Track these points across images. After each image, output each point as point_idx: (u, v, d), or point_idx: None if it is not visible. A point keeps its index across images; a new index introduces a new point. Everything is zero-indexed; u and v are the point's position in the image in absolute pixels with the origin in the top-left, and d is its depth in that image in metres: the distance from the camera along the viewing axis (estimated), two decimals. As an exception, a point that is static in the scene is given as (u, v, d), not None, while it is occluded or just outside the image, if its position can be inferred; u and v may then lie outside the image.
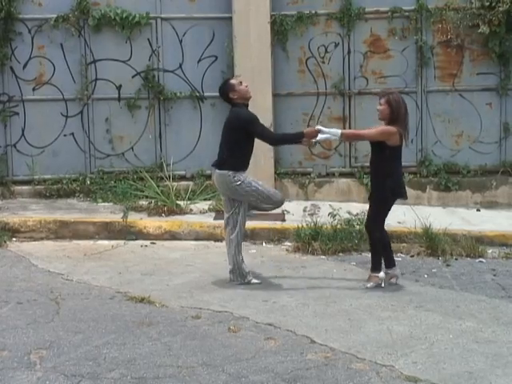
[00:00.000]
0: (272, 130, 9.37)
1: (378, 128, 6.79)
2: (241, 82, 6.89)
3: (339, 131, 6.79)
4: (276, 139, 7.37)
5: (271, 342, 5.47)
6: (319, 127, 6.74)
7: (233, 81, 6.93)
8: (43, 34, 10.34)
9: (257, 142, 6.88)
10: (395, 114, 6.70)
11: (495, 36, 10.05)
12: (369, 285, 6.81)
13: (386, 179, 6.71)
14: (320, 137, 6.69)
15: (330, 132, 6.71)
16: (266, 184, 7.11)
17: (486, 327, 5.83)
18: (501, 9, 9.84)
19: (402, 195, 6.90)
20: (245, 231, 7.16)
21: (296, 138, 6.94)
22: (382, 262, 6.89)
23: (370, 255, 6.98)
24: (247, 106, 6.88)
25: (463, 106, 10.39)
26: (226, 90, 6.87)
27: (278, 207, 7.15)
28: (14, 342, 5.42)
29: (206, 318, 5.96)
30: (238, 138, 6.75)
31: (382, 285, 6.81)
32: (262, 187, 6.86)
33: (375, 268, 6.86)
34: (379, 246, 6.85)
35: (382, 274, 6.85)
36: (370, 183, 7.12)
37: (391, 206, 6.86)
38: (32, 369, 4.96)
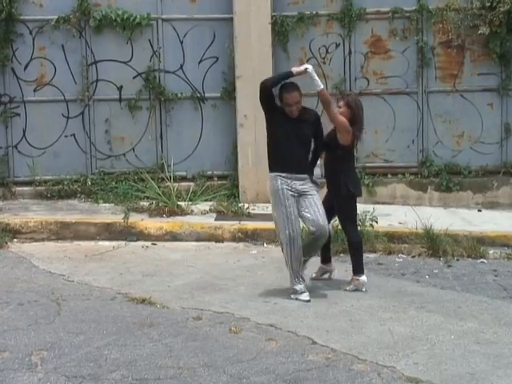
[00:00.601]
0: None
1: (342, 117, 6.69)
2: (296, 103, 6.52)
3: (321, 86, 6.66)
4: (266, 80, 6.65)
5: (272, 343, 5.47)
6: (309, 67, 6.64)
7: (291, 99, 6.51)
8: (44, 35, 10.34)
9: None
10: (355, 116, 6.70)
11: (496, 36, 10.05)
12: (348, 287, 6.78)
13: (340, 178, 6.71)
14: (306, 67, 6.63)
15: (315, 79, 6.62)
16: (292, 215, 6.50)
17: (488, 328, 5.82)
18: (501, 9, 9.84)
19: (358, 194, 6.92)
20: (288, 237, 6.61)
21: (286, 75, 6.66)
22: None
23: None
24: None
25: (464, 106, 10.39)
26: (281, 97, 6.57)
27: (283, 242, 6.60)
28: (15, 343, 5.42)
29: (207, 319, 5.95)
30: (269, 134, 6.67)
31: (363, 289, 6.75)
32: (283, 214, 6.46)
33: (357, 271, 6.81)
34: (357, 247, 6.86)
35: (363, 278, 6.80)
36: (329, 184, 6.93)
37: (353, 204, 6.84)
38: (33, 370, 4.96)
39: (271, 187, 6.57)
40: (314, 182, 6.69)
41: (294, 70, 6.63)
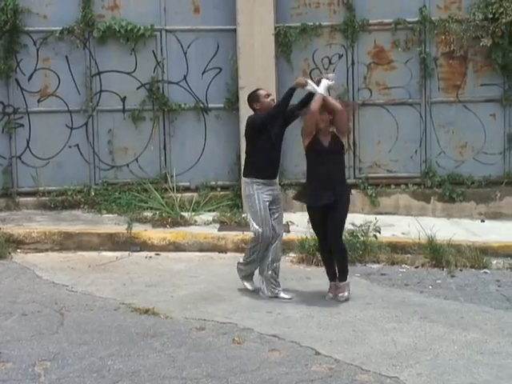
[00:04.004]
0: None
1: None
2: (268, 95, 6.96)
3: (322, 94, 6.77)
4: (276, 105, 6.99)
5: (276, 354, 5.46)
6: (309, 81, 6.84)
7: (260, 91, 7.00)
8: (48, 47, 10.39)
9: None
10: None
11: (498, 47, 10.07)
12: (340, 295, 6.84)
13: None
14: (309, 86, 6.79)
15: (314, 89, 6.78)
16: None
17: (491, 338, 5.81)
18: (504, 20, 9.86)
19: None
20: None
21: (290, 91, 6.87)
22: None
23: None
24: None
25: (467, 117, 10.40)
26: (251, 100, 6.99)
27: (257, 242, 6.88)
28: (19, 353, 5.42)
29: (211, 330, 5.95)
30: (250, 143, 6.91)
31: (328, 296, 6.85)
32: (262, 216, 6.79)
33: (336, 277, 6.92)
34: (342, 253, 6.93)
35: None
36: (335, 188, 6.85)
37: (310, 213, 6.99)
38: (36, 381, 4.96)
39: (246, 192, 6.89)
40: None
41: (299, 83, 6.92)
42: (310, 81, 6.90)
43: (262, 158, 6.81)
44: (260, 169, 6.82)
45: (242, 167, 7.10)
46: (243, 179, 7.06)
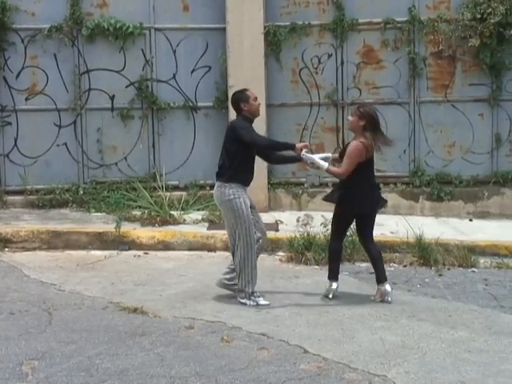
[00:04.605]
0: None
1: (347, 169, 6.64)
2: (256, 98, 6.71)
3: (326, 165, 6.61)
4: (266, 142, 6.94)
5: (264, 352, 5.47)
6: (318, 163, 6.60)
7: (249, 93, 6.72)
8: (36, 44, 10.35)
9: None
10: (369, 125, 6.66)
11: (486, 47, 10.11)
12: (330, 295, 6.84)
13: (354, 193, 6.72)
14: (306, 156, 6.55)
15: (320, 164, 6.59)
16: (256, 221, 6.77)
17: (478, 337, 5.84)
18: (492, 21, 9.91)
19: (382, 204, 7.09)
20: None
21: (286, 146, 6.72)
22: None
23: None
24: (252, 121, 6.70)
25: (455, 116, 10.44)
26: (239, 99, 6.69)
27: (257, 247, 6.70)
28: (6, 352, 5.40)
29: (199, 329, 5.95)
30: (234, 148, 6.62)
31: (330, 296, 6.81)
32: (249, 221, 6.57)
33: (380, 279, 6.84)
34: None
35: (335, 285, 6.84)
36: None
37: (369, 217, 6.92)
38: (24, 380, 4.95)
39: (230, 197, 6.58)
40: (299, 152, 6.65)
41: (298, 147, 6.58)
42: (311, 156, 6.62)
43: (247, 164, 6.65)
44: (245, 174, 6.64)
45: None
46: (221, 184, 6.67)
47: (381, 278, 6.79)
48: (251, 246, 6.57)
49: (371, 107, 6.90)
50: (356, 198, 6.68)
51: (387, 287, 6.76)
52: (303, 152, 6.57)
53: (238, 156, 6.60)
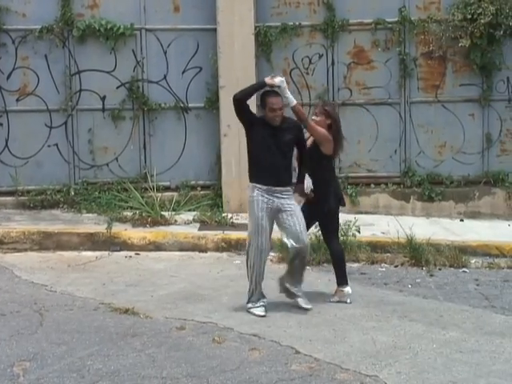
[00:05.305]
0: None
1: (320, 128, 6.60)
2: (273, 109, 6.30)
3: (294, 102, 6.47)
4: (239, 92, 6.44)
5: (255, 353, 5.47)
6: (281, 85, 6.39)
7: (269, 101, 6.33)
8: (27, 45, 10.31)
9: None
10: (335, 124, 6.64)
11: (477, 48, 10.14)
12: (332, 299, 6.77)
13: (328, 190, 6.68)
14: (279, 82, 6.36)
15: (287, 96, 6.42)
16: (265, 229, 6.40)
17: (470, 337, 5.86)
18: (482, 21, 9.94)
19: (342, 203, 6.90)
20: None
21: (259, 86, 6.48)
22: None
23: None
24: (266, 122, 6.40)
25: (446, 116, 10.47)
26: (261, 101, 6.47)
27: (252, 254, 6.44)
28: (-3, 354, 5.39)
29: (191, 329, 5.95)
30: (247, 145, 6.52)
31: (347, 301, 6.73)
32: (255, 225, 6.33)
33: (341, 282, 6.79)
34: (340, 257, 6.83)
35: (347, 289, 6.78)
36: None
37: (338, 214, 6.82)
38: (15, 381, 4.93)
39: (247, 197, 6.48)
40: (303, 194, 6.63)
41: (267, 81, 6.42)
42: (281, 84, 6.42)
43: (260, 161, 6.37)
44: (258, 172, 6.38)
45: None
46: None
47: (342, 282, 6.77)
48: (253, 251, 6.36)
49: (335, 106, 6.84)
50: (331, 192, 6.65)
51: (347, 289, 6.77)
52: (272, 78, 6.38)
53: (250, 153, 6.48)
